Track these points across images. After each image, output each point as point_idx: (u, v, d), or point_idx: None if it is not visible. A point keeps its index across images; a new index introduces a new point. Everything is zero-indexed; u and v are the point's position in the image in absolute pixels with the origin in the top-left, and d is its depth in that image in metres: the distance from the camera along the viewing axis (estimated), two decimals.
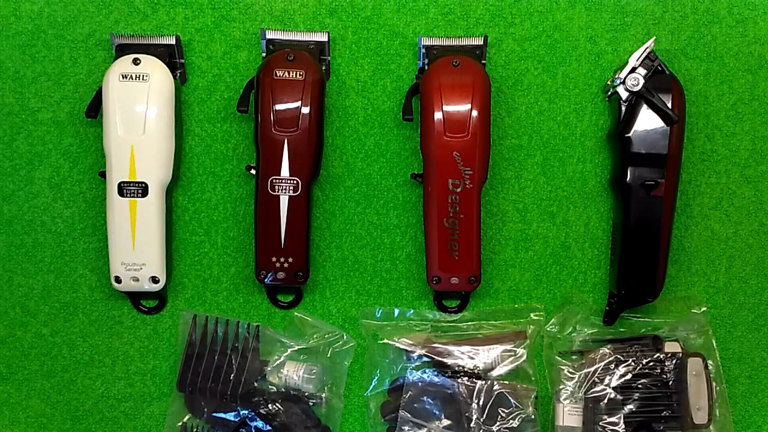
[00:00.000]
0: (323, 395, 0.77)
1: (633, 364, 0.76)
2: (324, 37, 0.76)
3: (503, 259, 0.79)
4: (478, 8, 0.77)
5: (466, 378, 0.76)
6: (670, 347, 0.76)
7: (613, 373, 0.76)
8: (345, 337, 0.79)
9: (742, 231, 0.80)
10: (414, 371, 0.77)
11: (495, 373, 0.77)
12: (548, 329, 0.79)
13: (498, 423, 0.75)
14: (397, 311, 0.79)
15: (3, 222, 0.79)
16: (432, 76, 0.72)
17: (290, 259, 0.75)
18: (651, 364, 0.76)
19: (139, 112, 0.72)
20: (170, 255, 0.77)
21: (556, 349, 0.78)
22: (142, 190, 0.73)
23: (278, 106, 0.72)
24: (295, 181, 0.73)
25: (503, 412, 0.75)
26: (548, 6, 0.77)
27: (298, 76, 0.72)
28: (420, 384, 0.76)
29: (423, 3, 0.77)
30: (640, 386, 0.75)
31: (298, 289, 0.79)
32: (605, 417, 0.75)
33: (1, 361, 0.80)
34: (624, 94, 0.74)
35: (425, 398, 0.76)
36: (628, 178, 0.74)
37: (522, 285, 0.80)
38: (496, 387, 0.76)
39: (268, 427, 0.75)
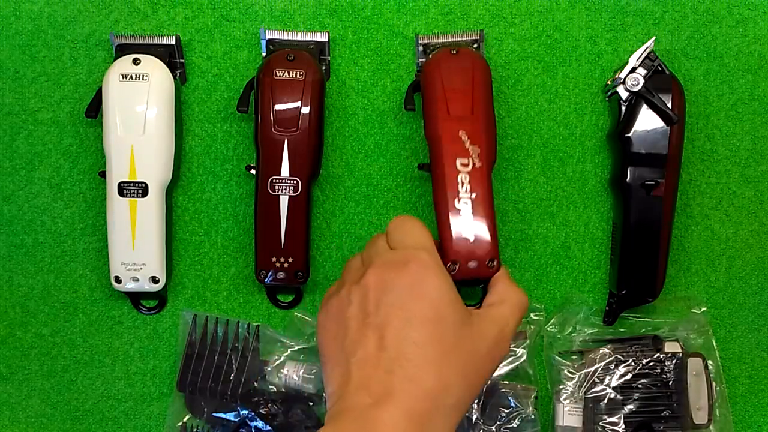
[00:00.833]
0: (323, 395, 0.77)
1: (633, 364, 0.76)
2: (324, 37, 0.76)
3: (503, 259, 0.79)
4: (478, 8, 0.77)
5: None
6: (670, 347, 0.76)
7: (613, 373, 0.76)
8: None
9: (743, 231, 0.80)
10: None
11: (495, 373, 0.77)
12: (548, 329, 0.79)
13: (498, 423, 0.75)
14: None
15: (3, 222, 0.79)
16: (432, 63, 0.72)
17: (290, 259, 0.75)
18: (651, 364, 0.76)
19: (139, 112, 0.72)
20: (170, 255, 0.78)
21: (556, 349, 0.79)
22: (142, 190, 0.73)
23: (278, 106, 0.72)
24: (295, 181, 0.73)
25: (503, 412, 0.75)
26: (548, 6, 0.77)
27: (298, 76, 0.72)
28: None
29: (423, 3, 0.77)
30: (640, 386, 0.75)
31: (298, 289, 0.79)
32: (605, 417, 0.75)
33: (1, 361, 0.80)
34: (624, 94, 0.74)
35: None
36: (628, 178, 0.74)
37: (522, 285, 0.80)
38: (495, 387, 0.76)
39: (268, 427, 0.75)
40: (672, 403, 0.75)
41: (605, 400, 0.75)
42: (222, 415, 0.76)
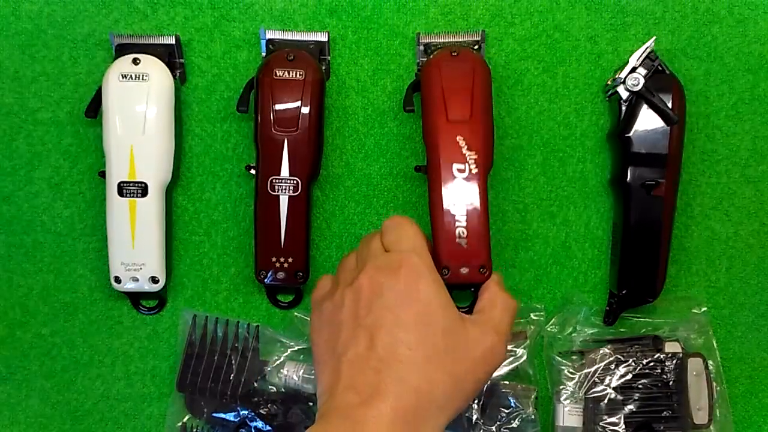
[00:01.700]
0: None
1: (633, 364, 0.76)
2: (324, 37, 0.76)
3: (503, 259, 0.79)
4: (478, 8, 0.77)
5: None
6: (671, 347, 0.76)
7: (614, 373, 0.76)
8: None
9: (743, 231, 0.80)
10: None
11: (495, 373, 0.77)
12: (548, 329, 0.79)
13: (498, 423, 0.75)
14: None
15: (3, 222, 0.79)
16: (432, 65, 0.72)
17: (290, 259, 0.75)
18: (651, 364, 0.76)
19: (139, 112, 0.72)
20: (170, 255, 0.77)
21: (556, 350, 0.78)
22: (142, 190, 0.73)
23: (278, 106, 0.72)
24: (295, 181, 0.73)
25: (503, 412, 0.75)
26: (548, 6, 0.77)
27: (298, 76, 0.72)
28: None
29: (423, 2, 0.77)
30: (640, 386, 0.75)
31: (298, 289, 0.79)
32: (605, 417, 0.75)
33: (1, 361, 0.80)
34: (624, 94, 0.74)
35: None
36: (628, 178, 0.74)
37: (522, 285, 0.80)
38: (495, 387, 0.76)
39: (268, 428, 0.75)
40: (672, 404, 0.75)
41: (605, 401, 0.75)
42: (222, 415, 0.76)
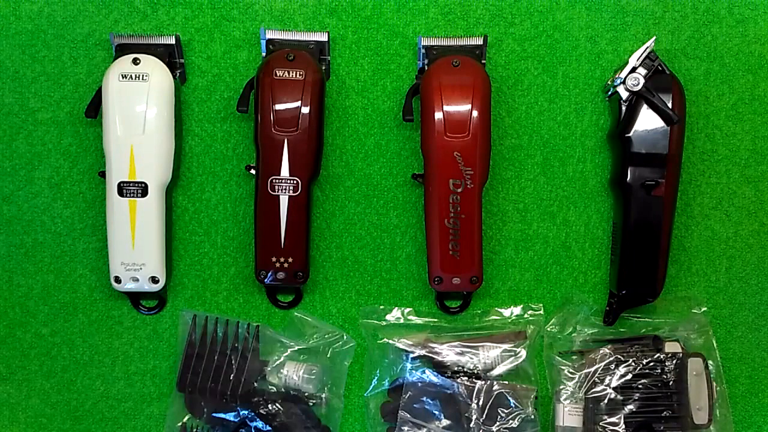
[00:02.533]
0: (323, 395, 0.77)
1: (633, 364, 0.76)
2: (324, 37, 0.76)
3: (503, 259, 0.79)
4: (478, 8, 0.77)
5: (466, 378, 0.76)
6: (671, 347, 0.76)
7: (614, 373, 0.76)
8: (345, 337, 0.79)
9: (743, 231, 0.80)
10: (414, 371, 0.77)
11: (495, 373, 0.77)
12: (548, 329, 0.79)
13: (498, 423, 0.75)
14: (397, 311, 0.79)
15: (3, 222, 0.79)
16: (432, 77, 0.72)
17: (290, 259, 0.75)
18: (651, 364, 0.76)
19: (139, 112, 0.72)
20: (170, 255, 0.77)
21: (557, 349, 0.78)
22: (142, 190, 0.73)
23: (278, 106, 0.72)
24: (295, 181, 0.73)
25: (503, 412, 0.75)
26: (548, 6, 0.77)
27: (298, 76, 0.72)
28: (420, 384, 0.76)
29: (423, 3, 0.77)
30: (640, 386, 0.75)
31: (298, 289, 0.79)
32: (605, 417, 0.75)
33: (1, 361, 0.80)
34: (624, 94, 0.74)
35: (425, 398, 0.76)
36: (628, 178, 0.74)
37: (522, 285, 0.80)
38: (495, 387, 0.76)
39: (268, 428, 0.75)
40: (672, 404, 0.75)
41: (605, 401, 0.75)
42: (222, 415, 0.76)
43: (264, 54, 0.76)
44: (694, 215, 0.79)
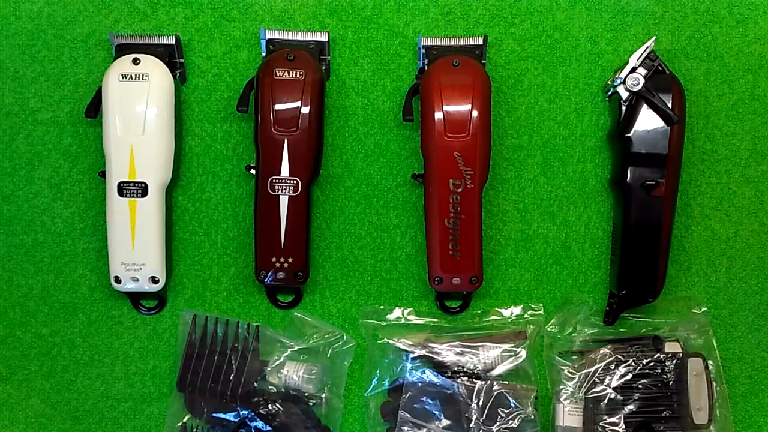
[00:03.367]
0: (323, 395, 0.77)
1: (633, 364, 0.76)
2: (324, 37, 0.76)
3: (503, 259, 0.79)
4: (478, 8, 0.77)
5: (466, 378, 0.76)
6: (671, 347, 0.76)
7: (614, 373, 0.76)
8: (345, 337, 0.79)
9: (743, 231, 0.80)
10: (413, 371, 0.77)
11: (495, 373, 0.77)
12: (548, 329, 0.79)
13: (498, 423, 0.75)
14: (397, 311, 0.79)
15: (3, 222, 0.79)
16: (432, 77, 0.72)
17: (290, 259, 0.75)
18: (651, 364, 0.76)
19: (139, 112, 0.72)
20: (170, 255, 0.77)
21: (556, 349, 0.78)
22: (142, 190, 0.73)
23: (278, 106, 0.72)
24: (295, 181, 0.73)
25: (503, 412, 0.75)
26: (548, 6, 0.77)
27: (298, 76, 0.72)
28: (419, 384, 0.76)
29: (423, 3, 0.77)
30: (640, 386, 0.75)
31: (298, 289, 0.79)
32: (605, 417, 0.75)
33: (1, 361, 0.80)
34: (624, 94, 0.74)
35: (425, 398, 0.76)
36: (628, 178, 0.74)
37: (522, 285, 0.80)
38: (495, 387, 0.76)
39: (268, 428, 0.75)
40: (672, 404, 0.75)
41: (605, 401, 0.75)
42: (222, 415, 0.76)
43: (264, 54, 0.76)
44: (694, 215, 0.79)
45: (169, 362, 0.80)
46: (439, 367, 0.77)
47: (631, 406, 0.75)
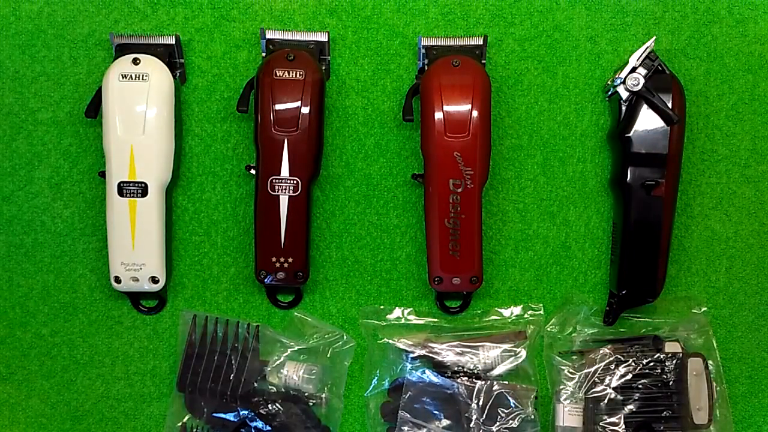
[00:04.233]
0: (323, 395, 0.77)
1: (633, 364, 0.76)
2: (324, 37, 0.76)
3: (503, 259, 0.79)
4: (478, 8, 0.77)
5: (466, 378, 0.76)
6: (671, 347, 0.76)
7: (614, 373, 0.76)
8: (345, 337, 0.79)
9: (743, 231, 0.80)
10: (413, 371, 0.77)
11: (495, 373, 0.77)
12: (548, 329, 0.79)
13: (498, 423, 0.75)
14: (397, 311, 0.79)
15: (3, 222, 0.79)
16: (432, 77, 0.72)
17: (290, 260, 0.75)
18: (651, 364, 0.76)
19: (139, 112, 0.72)
20: (170, 255, 0.77)
21: (556, 349, 0.78)
22: (142, 190, 0.73)
23: (278, 106, 0.72)
24: (295, 181, 0.73)
25: (503, 412, 0.75)
26: (548, 6, 0.77)
27: (298, 76, 0.72)
28: (419, 384, 0.76)
29: (423, 3, 0.77)
30: (640, 386, 0.75)
31: (298, 289, 0.79)
32: (605, 417, 0.75)
33: (1, 361, 0.80)
34: (624, 94, 0.74)
35: (425, 398, 0.76)
36: (628, 178, 0.74)
37: (522, 285, 0.80)
38: (495, 387, 0.76)
39: (268, 428, 0.75)
40: (672, 404, 0.75)
41: (605, 401, 0.75)
42: (222, 415, 0.76)
43: (264, 54, 0.76)
44: (694, 215, 0.79)
45: (169, 362, 0.80)
46: (439, 367, 0.77)
47: (631, 406, 0.75)
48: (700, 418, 0.74)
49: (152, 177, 0.73)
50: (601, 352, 0.77)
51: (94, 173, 0.78)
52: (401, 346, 0.78)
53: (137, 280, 0.75)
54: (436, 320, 0.79)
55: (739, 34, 0.78)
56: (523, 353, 0.77)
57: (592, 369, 0.76)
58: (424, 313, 0.79)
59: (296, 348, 0.78)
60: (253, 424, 0.75)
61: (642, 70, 0.73)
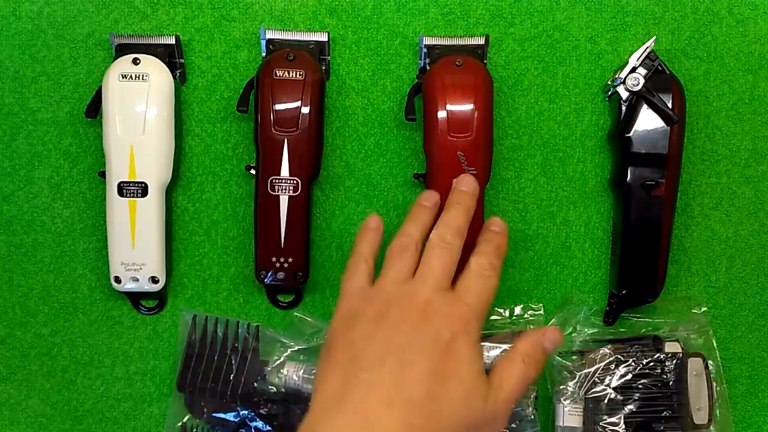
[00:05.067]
0: None
1: (633, 364, 0.76)
2: (324, 37, 0.76)
3: (504, 259, 0.79)
4: (478, 8, 0.77)
5: None
6: (671, 347, 0.76)
7: (614, 373, 0.76)
8: None
9: (743, 231, 0.80)
10: None
11: None
12: None
13: None
14: None
15: (3, 222, 0.79)
16: (435, 76, 0.72)
17: (290, 259, 0.75)
18: (651, 364, 0.76)
19: (139, 112, 0.72)
20: (170, 255, 0.77)
21: (556, 349, 0.78)
22: (142, 190, 0.73)
23: (278, 106, 0.72)
24: (295, 181, 0.73)
25: None
26: (548, 6, 0.77)
27: (298, 76, 0.72)
28: None
29: (423, 3, 0.77)
30: (640, 386, 0.75)
31: (298, 289, 0.79)
32: (605, 417, 0.75)
33: (1, 361, 0.80)
34: (624, 94, 0.74)
35: None
36: (628, 178, 0.74)
37: (522, 285, 0.80)
38: None
39: (268, 428, 0.75)
40: (672, 404, 0.75)
41: (605, 401, 0.75)
42: (222, 415, 0.76)
43: (264, 54, 0.76)
44: (694, 215, 0.79)
45: (169, 362, 0.80)
46: None
47: (631, 406, 0.75)
48: (700, 418, 0.74)
49: (152, 177, 0.73)
50: (601, 352, 0.77)
51: (94, 173, 0.78)
52: None
53: (137, 280, 0.75)
54: None
55: (739, 34, 0.78)
56: None
57: (592, 369, 0.76)
58: None
59: (296, 348, 0.78)
60: (253, 424, 0.75)
61: (642, 70, 0.73)
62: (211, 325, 0.78)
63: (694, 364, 0.75)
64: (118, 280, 0.75)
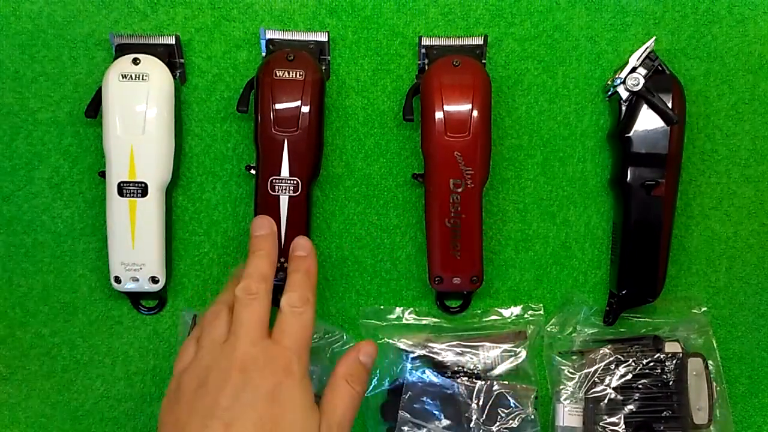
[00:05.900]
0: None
1: (633, 364, 0.76)
2: (324, 37, 0.76)
3: (503, 259, 0.79)
4: (478, 8, 0.77)
5: (466, 378, 0.76)
6: (671, 347, 0.76)
7: (614, 373, 0.76)
8: (345, 337, 0.79)
9: (743, 231, 0.80)
10: (414, 371, 0.77)
11: (495, 373, 0.77)
12: (548, 329, 0.79)
13: (498, 423, 0.75)
14: (397, 311, 0.79)
15: (3, 222, 0.79)
16: (433, 76, 0.72)
17: None
18: (651, 364, 0.76)
19: (139, 112, 0.72)
20: (170, 255, 0.77)
21: (556, 349, 0.79)
22: (142, 190, 0.73)
23: (278, 106, 0.72)
24: (295, 181, 0.73)
25: (503, 412, 0.75)
26: (548, 6, 0.77)
27: (298, 76, 0.72)
28: (419, 384, 0.76)
29: (423, 3, 0.77)
30: (640, 386, 0.75)
31: None
32: (605, 417, 0.75)
33: (1, 361, 0.80)
34: (624, 94, 0.74)
35: (425, 398, 0.76)
36: (628, 178, 0.74)
37: (522, 285, 0.80)
38: (495, 387, 0.76)
39: None
40: (672, 404, 0.75)
41: (605, 401, 0.75)
42: None
43: (264, 54, 0.76)
44: (694, 215, 0.79)
45: (169, 362, 0.80)
46: (439, 367, 0.78)
47: (631, 406, 0.75)
48: (700, 418, 0.74)
49: (152, 177, 0.73)
50: (601, 352, 0.77)
51: (94, 173, 0.78)
52: (401, 346, 0.78)
53: (137, 280, 0.75)
54: (436, 320, 0.79)
55: (739, 34, 0.78)
56: (523, 353, 0.77)
57: (592, 369, 0.76)
58: (424, 313, 0.79)
59: None
60: None
61: (642, 70, 0.73)
62: None
63: (694, 364, 0.75)
64: (118, 280, 0.75)
